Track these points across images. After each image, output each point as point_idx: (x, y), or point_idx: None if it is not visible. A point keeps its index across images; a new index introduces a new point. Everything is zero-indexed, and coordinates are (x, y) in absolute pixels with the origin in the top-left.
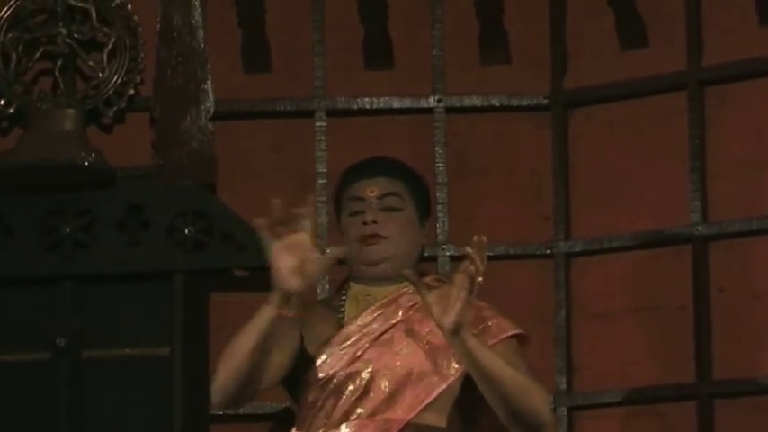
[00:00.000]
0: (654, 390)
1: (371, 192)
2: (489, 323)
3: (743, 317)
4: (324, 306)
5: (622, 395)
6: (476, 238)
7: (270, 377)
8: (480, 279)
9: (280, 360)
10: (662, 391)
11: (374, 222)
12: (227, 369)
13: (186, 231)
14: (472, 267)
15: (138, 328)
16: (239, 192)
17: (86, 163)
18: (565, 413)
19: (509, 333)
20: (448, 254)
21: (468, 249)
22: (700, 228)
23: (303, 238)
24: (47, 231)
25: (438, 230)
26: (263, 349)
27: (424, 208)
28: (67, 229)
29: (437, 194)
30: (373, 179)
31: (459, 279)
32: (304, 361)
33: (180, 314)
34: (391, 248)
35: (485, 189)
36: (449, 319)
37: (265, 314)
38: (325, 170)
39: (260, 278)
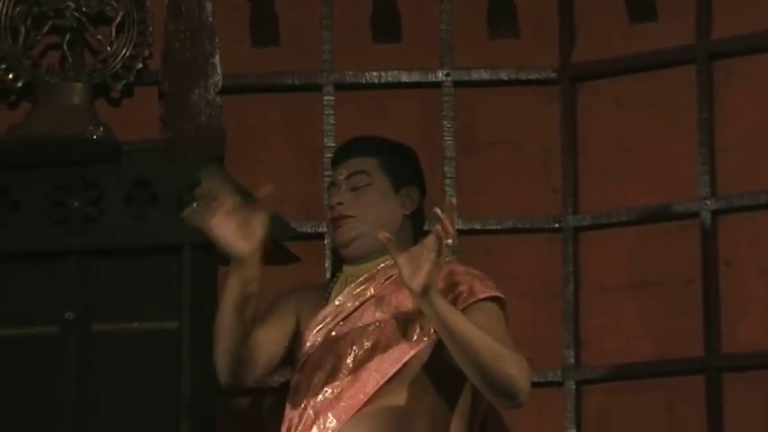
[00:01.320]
0: (662, 364)
1: (341, 174)
2: (464, 286)
3: (751, 290)
4: (320, 290)
5: (630, 369)
6: (447, 199)
7: (267, 360)
8: (449, 241)
9: (273, 348)
10: (670, 365)
11: (339, 204)
12: (219, 348)
13: (194, 205)
14: (440, 229)
15: (146, 302)
16: (247, 165)
17: (94, 137)
18: (573, 387)
19: (481, 295)
20: (456, 228)
21: (437, 210)
22: (708, 202)
23: (229, 203)
24: (54, 206)
25: None
26: (242, 317)
27: (403, 177)
28: (75, 204)
29: (445, 168)
30: (345, 162)
31: (430, 241)
32: (296, 344)
33: (188, 288)
34: (361, 226)
35: (493, 163)
36: (417, 281)
37: (232, 282)
38: (333, 144)
39: (268, 252)
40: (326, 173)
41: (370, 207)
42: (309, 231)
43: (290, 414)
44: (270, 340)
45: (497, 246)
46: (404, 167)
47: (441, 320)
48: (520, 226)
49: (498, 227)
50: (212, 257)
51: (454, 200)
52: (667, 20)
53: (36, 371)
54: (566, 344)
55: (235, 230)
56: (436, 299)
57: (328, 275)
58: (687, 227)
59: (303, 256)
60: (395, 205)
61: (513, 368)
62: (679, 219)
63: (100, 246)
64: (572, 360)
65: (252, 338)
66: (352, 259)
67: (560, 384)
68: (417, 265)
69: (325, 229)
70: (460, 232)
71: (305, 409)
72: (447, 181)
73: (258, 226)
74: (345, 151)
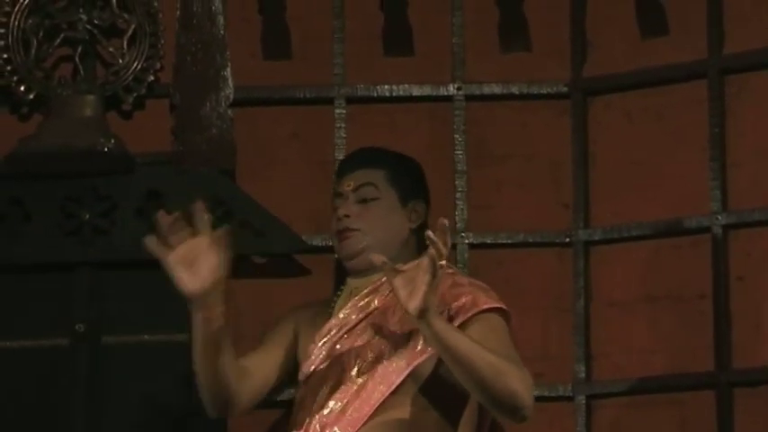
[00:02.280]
0: (672, 379)
1: (348, 186)
2: (466, 298)
3: (762, 306)
4: (322, 304)
5: (641, 384)
6: (440, 220)
7: (254, 390)
8: (443, 262)
9: (261, 377)
10: (681, 380)
11: (346, 216)
12: (200, 385)
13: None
14: (434, 251)
15: (157, 314)
16: (258, 178)
17: (106, 149)
18: (583, 401)
19: (483, 307)
20: (467, 242)
21: (430, 233)
22: (719, 217)
23: (197, 241)
24: (66, 217)
25: (457, 218)
26: (212, 354)
27: (407, 191)
28: (87, 216)
29: (456, 182)
30: (352, 173)
31: (424, 263)
32: (300, 357)
33: None
34: (367, 239)
35: (504, 177)
36: (414, 304)
37: (195, 321)
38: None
39: (278, 265)
40: None
41: (378, 220)
42: (320, 245)
43: (296, 429)
44: (259, 369)
45: (508, 259)
46: (410, 181)
47: (440, 341)
48: (531, 240)
49: (509, 241)
50: None
51: (446, 221)
52: (679, 35)
53: (46, 382)
54: (576, 358)
55: (186, 268)
56: (434, 320)
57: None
58: (698, 242)
59: (313, 269)
60: (402, 219)
61: (517, 384)
62: (690, 234)
63: (111, 258)
64: (583, 374)
65: (236, 372)
66: (356, 271)
67: (571, 399)
68: (413, 287)
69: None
70: (471, 246)
71: (310, 422)
72: (458, 194)
73: (209, 268)
74: (352, 162)
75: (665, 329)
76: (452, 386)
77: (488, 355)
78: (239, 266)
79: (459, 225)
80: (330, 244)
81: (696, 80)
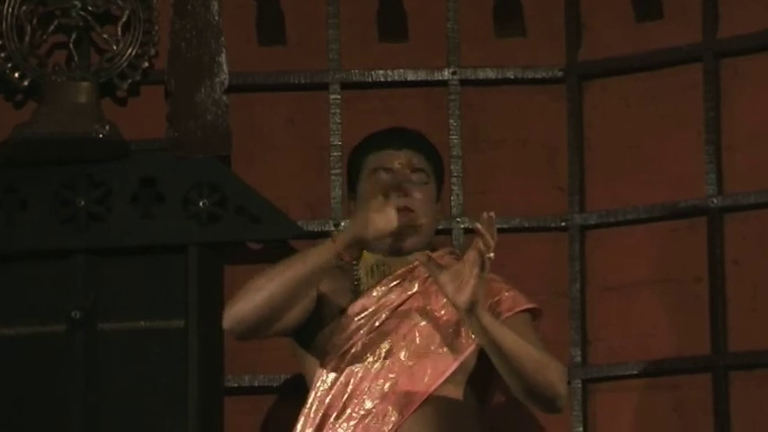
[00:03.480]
0: (669, 362)
1: (399, 163)
2: (504, 295)
3: (758, 289)
4: (340, 275)
5: (637, 368)
6: (485, 214)
7: (284, 322)
8: (491, 255)
9: (292, 315)
10: (677, 364)
11: (405, 196)
12: (261, 303)
13: (200, 204)
14: (482, 244)
15: (153, 300)
16: (254, 164)
17: (100, 136)
18: (579, 386)
19: (523, 307)
20: (462, 226)
21: (478, 226)
22: (715, 200)
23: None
24: (61, 204)
25: (452, 203)
26: (305, 284)
27: (441, 184)
28: (82, 202)
29: (451, 167)
30: (400, 151)
31: (471, 256)
32: (320, 327)
33: (194, 287)
34: (420, 221)
35: (499, 161)
36: (463, 298)
37: (325, 250)
38: (340, 143)
39: (274, 251)
40: (333, 171)
41: (429, 206)
42: (315, 230)
43: (329, 401)
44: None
45: (504, 244)
46: (442, 171)
47: (487, 335)
48: (526, 224)
49: (505, 225)
50: (218, 256)
51: (493, 214)
52: (674, 18)
53: (43, 369)
54: (572, 342)
55: (377, 211)
56: (482, 314)
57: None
58: (694, 225)
59: None
60: (436, 212)
61: (555, 376)
62: (686, 217)
63: (106, 244)
64: (579, 358)
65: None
66: (396, 251)
67: (567, 383)
68: (460, 281)
69: (332, 228)
70: (466, 231)
71: (351, 398)
72: (453, 179)
73: (389, 218)
74: (398, 140)
75: (661, 313)
76: (487, 377)
77: (530, 348)
78: (235, 253)
79: (454, 210)
80: (325, 229)
81: (691, 63)
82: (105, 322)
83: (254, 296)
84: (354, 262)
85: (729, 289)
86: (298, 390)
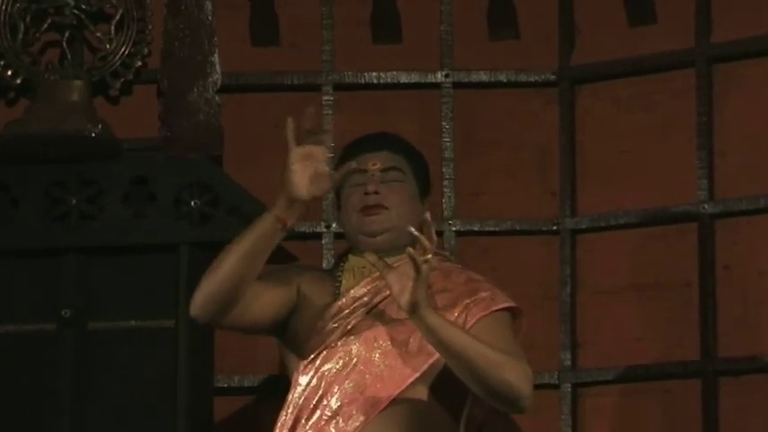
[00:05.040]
0: (659, 367)
1: (374, 165)
2: (482, 295)
3: (748, 294)
4: (324, 277)
5: (627, 372)
6: (422, 217)
7: (257, 312)
8: (429, 257)
9: (270, 299)
10: (667, 369)
11: (376, 193)
12: (214, 280)
13: (192, 204)
14: (417, 248)
15: (144, 300)
16: (245, 164)
17: (93, 134)
18: (569, 389)
19: (500, 306)
20: (454, 229)
21: (412, 229)
22: (706, 205)
23: (322, 150)
24: (52, 202)
25: (444, 206)
26: (253, 255)
27: (424, 185)
28: (73, 201)
29: (443, 170)
30: (376, 153)
31: (412, 259)
32: (301, 329)
33: (185, 286)
34: (393, 219)
35: (491, 164)
36: (404, 299)
37: (265, 217)
38: (332, 144)
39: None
40: None
41: (404, 203)
42: (306, 231)
43: (302, 403)
44: (269, 300)
45: (495, 247)
46: (425, 175)
47: (434, 335)
48: (518, 228)
49: (496, 228)
50: (209, 256)
51: (428, 215)
52: (667, 23)
53: (33, 368)
54: (562, 346)
55: (308, 174)
56: (427, 314)
57: (332, 261)
58: (685, 230)
59: (300, 256)
60: (419, 210)
61: (512, 374)
62: (677, 222)
63: (98, 243)
64: (569, 362)
65: (251, 290)
66: (375, 250)
67: (557, 387)
68: (404, 282)
69: (323, 230)
70: (458, 233)
71: (321, 399)
72: (446, 182)
73: (327, 183)
74: (374, 143)
75: (652, 318)
76: (458, 379)
77: (483, 347)
78: None
79: (446, 212)
80: (317, 230)
81: (684, 68)
82: (95, 321)
83: (209, 278)
84: (341, 266)
85: (720, 294)
86: (287, 391)
